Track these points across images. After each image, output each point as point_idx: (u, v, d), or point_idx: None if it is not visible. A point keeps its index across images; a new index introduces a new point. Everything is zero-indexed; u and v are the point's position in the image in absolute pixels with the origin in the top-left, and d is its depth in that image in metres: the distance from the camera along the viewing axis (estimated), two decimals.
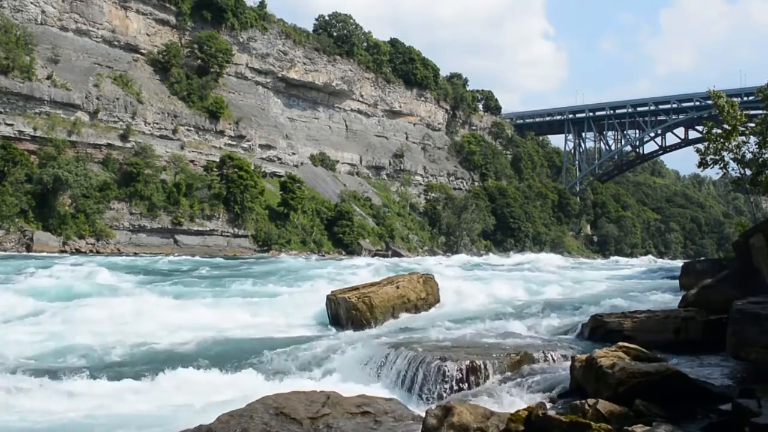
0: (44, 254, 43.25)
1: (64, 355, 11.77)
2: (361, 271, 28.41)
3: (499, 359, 9.52)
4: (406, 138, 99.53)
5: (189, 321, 15.09)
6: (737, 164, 25.20)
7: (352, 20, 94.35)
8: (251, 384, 9.91)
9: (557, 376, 8.73)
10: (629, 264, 55.43)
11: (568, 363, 8.45)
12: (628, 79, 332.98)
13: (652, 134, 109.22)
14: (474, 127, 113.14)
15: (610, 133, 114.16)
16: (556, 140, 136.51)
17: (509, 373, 9.22)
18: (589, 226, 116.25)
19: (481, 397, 8.24)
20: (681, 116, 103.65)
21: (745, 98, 63.82)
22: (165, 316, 15.55)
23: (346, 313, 14.76)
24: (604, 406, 6.70)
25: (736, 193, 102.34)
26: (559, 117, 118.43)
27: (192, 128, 68.48)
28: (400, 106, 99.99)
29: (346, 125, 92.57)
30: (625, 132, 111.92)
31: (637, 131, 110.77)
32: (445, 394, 8.82)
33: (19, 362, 11.12)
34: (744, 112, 25.70)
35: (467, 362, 9.31)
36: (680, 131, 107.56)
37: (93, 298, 17.70)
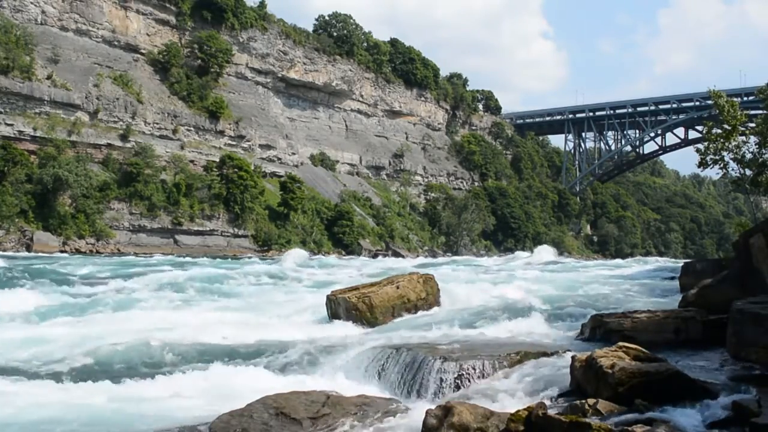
0: (44, 254, 43.22)
1: None
2: None
3: (499, 359, 9.51)
4: (406, 138, 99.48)
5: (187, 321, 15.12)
6: (737, 164, 25.09)
7: (352, 20, 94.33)
8: (251, 384, 9.90)
9: (557, 376, 8.71)
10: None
11: (568, 363, 8.44)
12: (627, 79, 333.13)
13: (652, 134, 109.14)
14: (474, 127, 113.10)
15: (610, 133, 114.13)
16: (556, 140, 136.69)
17: (509, 373, 9.20)
18: (589, 226, 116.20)
19: (481, 397, 8.23)
20: (681, 116, 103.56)
21: (745, 98, 63.75)
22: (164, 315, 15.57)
23: (346, 313, 14.75)
24: (604, 406, 6.71)
25: (736, 193, 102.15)
26: (559, 117, 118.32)
27: (192, 128, 68.47)
28: (400, 106, 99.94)
29: (346, 125, 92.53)
30: (625, 132, 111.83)
31: (637, 131, 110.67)
32: (445, 394, 8.81)
33: None
34: (744, 112, 25.62)
35: (467, 362, 9.30)
36: (680, 131, 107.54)
37: None
